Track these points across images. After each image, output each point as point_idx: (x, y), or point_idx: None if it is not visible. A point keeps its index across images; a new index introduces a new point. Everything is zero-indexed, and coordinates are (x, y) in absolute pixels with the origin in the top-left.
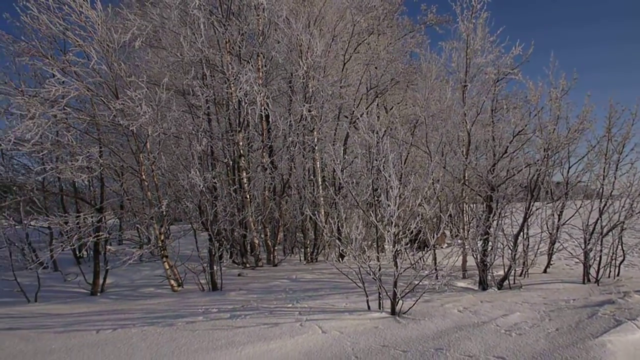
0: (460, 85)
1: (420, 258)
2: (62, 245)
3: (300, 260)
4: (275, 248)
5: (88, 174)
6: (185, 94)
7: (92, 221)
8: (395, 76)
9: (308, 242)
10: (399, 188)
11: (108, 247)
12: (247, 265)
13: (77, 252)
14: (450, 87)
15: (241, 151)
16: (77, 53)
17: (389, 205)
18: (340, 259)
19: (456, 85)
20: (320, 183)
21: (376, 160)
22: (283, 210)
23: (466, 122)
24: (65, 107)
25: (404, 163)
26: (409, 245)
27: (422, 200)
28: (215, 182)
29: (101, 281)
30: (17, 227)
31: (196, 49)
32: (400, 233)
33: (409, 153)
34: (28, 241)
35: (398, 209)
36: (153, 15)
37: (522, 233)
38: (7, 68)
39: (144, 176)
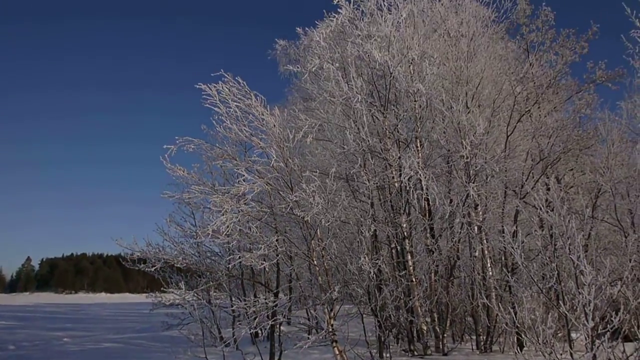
0: None
1: (626, 357)
2: (245, 328)
3: (472, 349)
4: (444, 335)
5: (268, 261)
6: (350, 181)
7: (270, 305)
8: (567, 144)
9: (480, 329)
10: (592, 273)
11: (282, 328)
12: (415, 352)
13: (255, 334)
14: (639, 152)
15: (405, 233)
16: (258, 153)
17: (580, 293)
18: (519, 349)
19: None
20: (489, 264)
21: (559, 241)
22: (451, 295)
23: None
24: (249, 202)
25: (588, 238)
26: (612, 339)
27: (622, 286)
28: (381, 266)
29: None
30: (206, 306)
31: (360, 139)
32: (600, 327)
33: (592, 228)
34: (216, 321)
35: (594, 298)
36: (320, 112)
37: None
38: (204, 170)
39: (314, 261)
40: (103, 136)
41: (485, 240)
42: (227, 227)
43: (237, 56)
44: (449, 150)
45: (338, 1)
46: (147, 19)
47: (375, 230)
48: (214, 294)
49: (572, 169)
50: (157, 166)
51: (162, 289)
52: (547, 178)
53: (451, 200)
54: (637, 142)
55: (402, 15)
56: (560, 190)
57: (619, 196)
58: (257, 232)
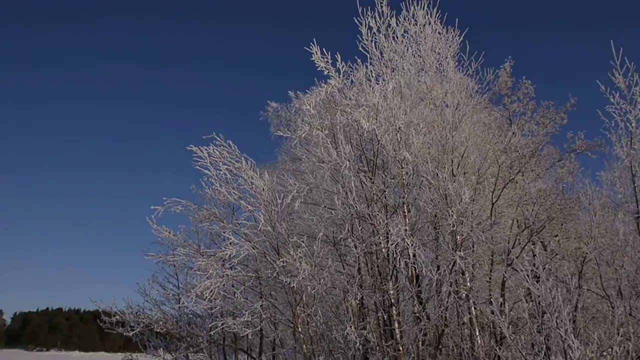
0: (632, 217)
1: None
2: None
3: None
4: None
5: (252, 328)
6: (337, 245)
7: None
8: (550, 213)
9: None
10: (581, 349)
11: None
12: None
13: None
14: (621, 221)
15: (392, 300)
16: (245, 215)
17: None
18: None
19: (627, 218)
20: (478, 333)
21: (546, 313)
22: None
23: None
24: (235, 265)
25: (575, 310)
26: None
27: None
28: (367, 335)
29: None
30: None
31: (347, 204)
32: None
33: (578, 299)
34: None
35: None
36: (308, 176)
37: None
38: (190, 230)
39: (299, 328)
40: (85, 192)
41: (473, 309)
42: (211, 291)
43: (230, 114)
44: (435, 216)
45: (328, 72)
46: (141, 72)
47: (362, 297)
48: (194, 357)
49: (556, 235)
50: (142, 225)
51: (140, 353)
52: (533, 245)
53: (438, 268)
54: (619, 209)
55: (389, 86)
56: (546, 257)
57: (604, 264)
58: (241, 297)
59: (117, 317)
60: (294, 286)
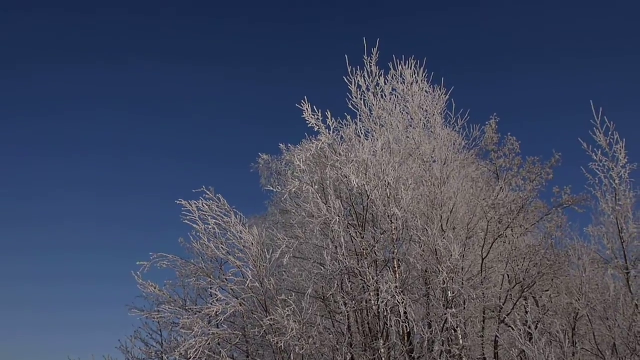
0: (622, 272)
1: None
2: None
3: None
4: None
5: None
6: (326, 302)
7: None
8: (541, 268)
9: None
10: None
11: None
12: None
13: None
14: (611, 276)
15: (383, 359)
16: (233, 270)
17: None
18: None
19: (617, 273)
20: None
21: None
22: None
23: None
24: (221, 323)
25: None
26: None
27: None
28: None
29: None
30: None
31: (337, 260)
32: None
33: (573, 356)
34: None
35: None
36: (298, 231)
37: None
38: (176, 285)
39: None
40: (64, 247)
41: None
42: (196, 350)
43: (220, 165)
44: (426, 271)
45: (319, 128)
46: (128, 121)
47: (352, 356)
48: None
49: (547, 290)
50: (127, 283)
51: None
52: (525, 300)
53: (430, 325)
54: (609, 263)
55: (378, 143)
56: (539, 313)
57: (596, 320)
58: (227, 357)
59: None
60: (281, 346)
